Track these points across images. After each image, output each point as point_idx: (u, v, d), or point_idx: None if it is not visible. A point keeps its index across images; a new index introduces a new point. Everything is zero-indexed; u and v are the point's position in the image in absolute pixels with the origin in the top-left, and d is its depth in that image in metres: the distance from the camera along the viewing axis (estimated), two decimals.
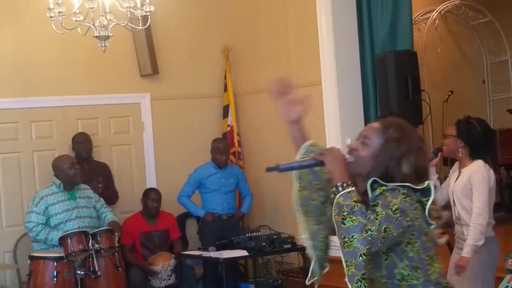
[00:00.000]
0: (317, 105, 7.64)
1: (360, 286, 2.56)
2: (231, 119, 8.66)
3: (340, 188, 2.67)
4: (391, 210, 2.60)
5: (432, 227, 2.71)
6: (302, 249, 7.28)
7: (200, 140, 8.31)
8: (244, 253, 7.12)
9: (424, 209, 2.69)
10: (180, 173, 7.98)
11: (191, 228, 8.20)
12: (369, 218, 2.56)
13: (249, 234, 7.41)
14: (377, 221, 2.56)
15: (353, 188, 2.66)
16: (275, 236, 7.34)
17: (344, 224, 2.57)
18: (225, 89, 8.73)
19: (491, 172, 4.82)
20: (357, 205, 2.60)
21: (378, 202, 2.63)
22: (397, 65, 7.00)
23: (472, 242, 4.77)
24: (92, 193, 7.14)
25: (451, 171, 5.09)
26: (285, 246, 7.28)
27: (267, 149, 8.37)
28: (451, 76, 10.47)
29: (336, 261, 2.89)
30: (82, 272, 6.47)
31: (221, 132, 8.68)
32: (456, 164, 5.02)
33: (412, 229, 2.65)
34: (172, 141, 8.48)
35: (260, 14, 8.40)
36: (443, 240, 2.76)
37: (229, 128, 8.66)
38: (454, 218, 4.91)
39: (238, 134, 8.66)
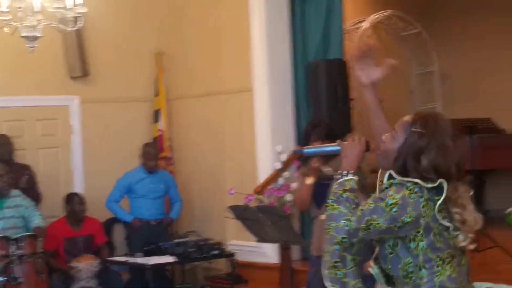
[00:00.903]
0: (247, 111, 7.67)
1: (329, 274, 2.63)
2: (162, 124, 8.59)
3: (340, 176, 2.73)
4: (386, 203, 2.59)
5: (451, 228, 2.64)
6: (230, 255, 7.28)
7: (131, 144, 8.19)
8: (171, 259, 7.06)
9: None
10: (109, 178, 7.87)
11: (119, 233, 8.11)
12: (353, 208, 2.60)
13: (177, 240, 7.36)
14: (360, 212, 2.59)
15: (352, 177, 2.70)
16: (203, 242, 7.30)
17: (327, 211, 2.65)
18: (157, 93, 8.65)
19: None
20: (345, 194, 2.65)
21: (377, 196, 2.66)
22: (328, 74, 7.10)
23: None
24: (23, 199, 6.98)
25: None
26: (213, 253, 7.24)
27: (198, 154, 8.36)
28: (380, 86, 10.57)
29: None
30: (2, 279, 6.29)
31: (151, 136, 8.59)
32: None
33: (414, 226, 2.60)
34: (102, 145, 8.37)
35: (192, 20, 8.37)
36: (464, 244, 2.66)
37: (159, 133, 8.59)
38: None
39: (169, 139, 8.60)
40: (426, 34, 10.65)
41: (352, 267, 2.65)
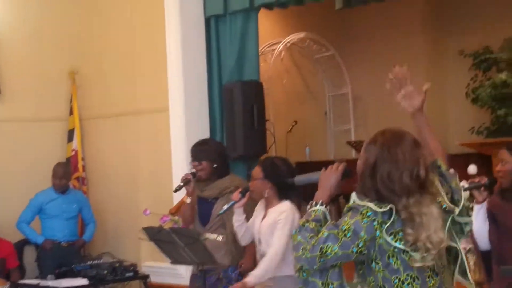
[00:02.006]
0: (163, 131, 7.65)
1: None
2: (76, 143, 8.49)
3: (309, 206, 2.86)
4: (340, 230, 2.68)
5: (404, 249, 2.69)
6: (144, 278, 7.22)
7: (44, 164, 7.98)
8: (84, 281, 6.93)
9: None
10: (21, 198, 7.69)
11: (30, 255, 7.93)
12: (311, 237, 2.72)
13: (90, 262, 7.25)
14: (314, 241, 2.70)
15: (319, 207, 2.82)
16: (117, 264, 7.22)
17: (292, 240, 2.81)
18: (71, 113, 8.55)
19: (297, 214, 4.76)
20: (307, 224, 2.78)
21: (331, 223, 2.75)
22: (244, 95, 7.15)
23: (257, 279, 4.71)
24: None
25: (257, 208, 5.01)
26: (127, 274, 7.15)
27: (112, 174, 8.28)
28: (295, 107, 10.75)
29: None
30: None
31: (65, 156, 8.47)
32: (261, 203, 4.94)
33: (369, 249, 2.69)
34: (13, 164, 8.18)
35: (108, 39, 8.31)
36: (419, 264, 2.69)
37: (73, 153, 8.48)
38: (258, 257, 4.85)
39: (83, 159, 8.50)
40: (338, 57, 10.87)
41: None
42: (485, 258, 4.08)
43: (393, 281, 2.71)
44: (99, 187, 8.45)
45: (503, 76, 9.56)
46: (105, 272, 7.04)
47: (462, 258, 2.91)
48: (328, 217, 2.89)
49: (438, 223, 2.71)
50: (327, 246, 2.68)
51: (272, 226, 4.75)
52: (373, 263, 2.73)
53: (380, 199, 2.71)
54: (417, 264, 2.69)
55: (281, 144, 9.62)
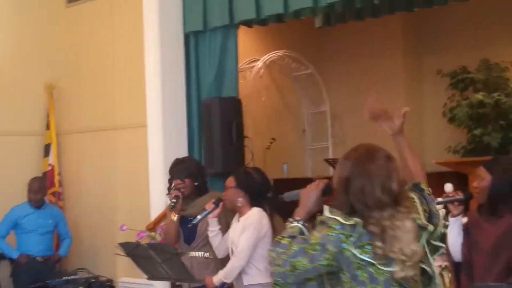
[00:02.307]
0: (141, 147, 7.63)
1: None
2: (52, 158, 8.44)
3: (287, 223, 2.97)
4: (309, 244, 2.78)
5: (371, 262, 2.74)
6: None
7: (19, 179, 7.92)
8: None
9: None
10: None
11: (5, 270, 7.84)
12: (283, 253, 2.81)
13: (66, 278, 7.21)
14: (285, 256, 2.80)
15: (296, 224, 2.92)
16: (93, 280, 7.19)
17: (268, 255, 2.92)
18: (48, 127, 8.50)
19: (266, 220, 4.87)
20: (283, 241, 2.87)
21: (302, 237, 2.86)
22: (222, 111, 7.16)
23: (223, 276, 4.87)
24: None
25: (233, 221, 5.10)
26: None
27: (89, 189, 8.24)
28: (273, 124, 10.76)
29: None
30: None
31: (41, 171, 8.42)
32: (236, 216, 5.04)
33: (337, 262, 2.77)
34: None
35: (87, 54, 8.30)
36: (401, 275, 2.75)
37: (50, 167, 8.43)
38: None
39: (59, 174, 8.45)
40: (317, 75, 10.91)
41: None
42: (457, 269, 4.18)
43: None
44: (76, 202, 8.40)
45: (479, 96, 9.67)
46: (81, 287, 6.99)
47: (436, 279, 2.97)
48: (306, 233, 2.95)
49: (411, 236, 2.76)
50: (297, 261, 2.77)
51: (241, 232, 4.81)
52: (341, 274, 2.80)
53: (353, 213, 2.78)
54: (400, 276, 2.74)
55: (259, 161, 9.59)
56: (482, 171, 4.03)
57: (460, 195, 4.07)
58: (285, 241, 2.86)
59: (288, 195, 3.38)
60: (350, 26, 9.66)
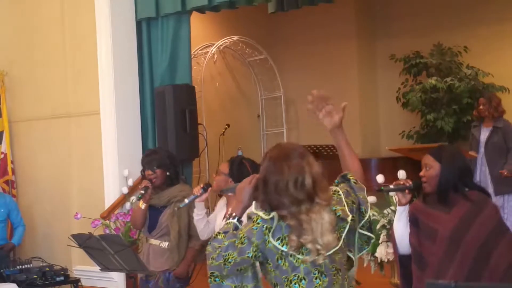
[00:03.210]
0: (95, 134, 7.59)
1: None
2: (5, 146, 8.35)
3: (225, 219, 3.13)
4: (238, 238, 2.96)
5: (289, 253, 2.92)
6: (75, 282, 7.15)
7: None
8: (13, 286, 6.84)
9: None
10: None
11: None
12: (218, 247, 2.98)
13: (20, 267, 7.14)
14: (219, 251, 2.97)
15: (231, 221, 3.07)
16: (47, 268, 7.12)
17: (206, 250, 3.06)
18: None
19: None
20: (217, 236, 3.04)
21: (232, 232, 3.02)
22: (176, 99, 7.15)
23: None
24: None
25: (217, 207, 5.14)
26: (58, 279, 7.05)
27: (43, 178, 8.17)
28: (228, 110, 10.77)
29: None
30: None
31: None
32: (223, 201, 5.06)
33: (262, 253, 2.95)
34: None
35: (38, 40, 8.20)
36: (310, 260, 2.92)
37: (2, 156, 8.34)
38: None
39: (12, 162, 8.36)
40: (271, 60, 10.93)
41: None
42: (402, 262, 4.16)
43: (283, 280, 2.96)
44: (29, 191, 8.33)
45: (432, 81, 9.79)
46: (35, 276, 6.95)
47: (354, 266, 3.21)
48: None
49: (326, 227, 2.93)
50: (228, 254, 2.95)
51: None
52: (267, 264, 3.00)
53: (273, 209, 2.96)
54: (309, 259, 2.92)
55: (214, 147, 9.63)
56: (429, 160, 4.03)
57: (409, 183, 4.06)
58: (220, 237, 3.03)
59: (226, 189, 3.64)
60: (304, 11, 9.69)
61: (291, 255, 2.94)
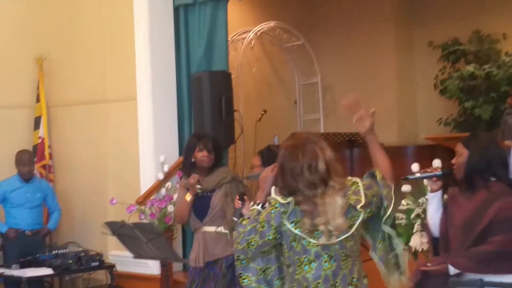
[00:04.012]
0: (131, 120, 7.62)
1: (241, 281, 3.30)
2: (42, 131, 8.41)
3: (250, 205, 3.40)
4: (258, 222, 3.21)
5: (301, 236, 3.17)
6: (110, 267, 7.21)
7: (9, 152, 7.82)
8: (49, 271, 6.91)
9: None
10: None
11: None
12: (243, 232, 3.22)
13: (56, 251, 7.21)
14: (241, 235, 3.23)
15: (255, 207, 3.31)
16: (82, 254, 7.18)
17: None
18: (38, 100, 8.46)
19: None
20: (242, 222, 3.28)
21: (254, 217, 3.26)
22: (212, 85, 7.14)
23: None
24: None
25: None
26: (93, 264, 7.14)
27: (79, 163, 8.23)
28: (265, 96, 10.74)
29: None
30: None
31: (31, 144, 8.39)
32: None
33: (280, 234, 3.21)
34: None
35: (76, 26, 8.23)
36: (324, 242, 3.15)
37: (40, 140, 8.39)
38: None
39: (49, 147, 8.42)
40: (308, 46, 10.87)
41: (259, 275, 3.29)
42: (435, 245, 4.24)
43: (295, 261, 3.21)
44: (66, 176, 8.39)
45: (470, 68, 9.67)
46: (70, 261, 7.03)
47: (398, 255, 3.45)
48: None
49: (338, 211, 3.15)
50: (251, 238, 3.21)
51: None
52: (282, 245, 3.24)
53: (289, 194, 3.20)
54: (322, 242, 3.16)
55: (250, 133, 9.61)
56: (459, 148, 4.08)
57: (438, 171, 4.10)
58: (244, 222, 3.28)
59: (250, 176, 3.97)
60: None
61: (303, 238, 3.17)
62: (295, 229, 3.17)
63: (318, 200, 3.15)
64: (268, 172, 3.39)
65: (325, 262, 3.19)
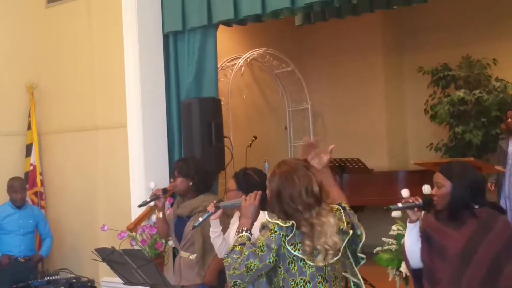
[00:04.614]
0: (121, 147, 7.64)
1: None
2: (34, 158, 8.44)
3: (236, 233, 3.56)
4: (257, 247, 3.36)
5: (301, 257, 3.36)
6: None
7: (1, 179, 7.93)
8: None
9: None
10: None
11: None
12: (238, 258, 3.37)
13: (48, 278, 7.22)
14: (240, 261, 3.36)
15: (244, 234, 3.51)
16: (74, 280, 7.20)
17: (224, 262, 3.45)
18: (29, 127, 8.50)
19: None
20: (236, 248, 3.43)
21: (250, 242, 3.43)
22: (202, 112, 7.17)
23: None
24: None
25: (232, 221, 5.01)
26: None
27: (70, 189, 8.24)
28: (255, 122, 10.79)
29: None
30: None
31: (23, 171, 8.41)
32: (236, 215, 4.93)
33: (279, 257, 3.37)
34: None
35: (66, 54, 8.29)
36: (322, 264, 3.37)
37: (31, 167, 8.43)
38: None
39: (41, 174, 8.45)
40: (298, 72, 10.94)
41: None
42: (416, 275, 4.17)
43: (290, 283, 3.38)
44: (58, 202, 8.41)
45: (461, 93, 9.73)
46: None
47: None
48: (252, 239, 3.54)
49: (333, 229, 3.38)
50: (250, 263, 3.34)
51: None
52: (277, 268, 3.40)
53: (287, 218, 3.38)
54: (320, 264, 3.36)
55: (241, 159, 9.64)
56: (440, 178, 4.00)
57: (419, 201, 4.06)
58: (238, 248, 3.43)
59: (223, 204, 4.09)
60: (330, 24, 9.69)
61: (301, 260, 3.36)
62: (294, 251, 3.35)
63: (315, 221, 3.37)
64: (251, 201, 3.65)
65: (319, 283, 3.39)
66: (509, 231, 3.91)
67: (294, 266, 3.37)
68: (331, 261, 3.39)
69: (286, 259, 3.37)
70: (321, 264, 3.37)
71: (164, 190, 5.45)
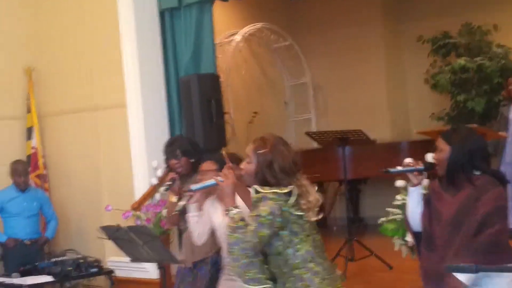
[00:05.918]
0: (122, 127, 7.64)
1: (248, 277, 3.55)
2: (35, 141, 8.43)
3: (227, 213, 3.64)
4: (262, 217, 3.51)
5: (301, 215, 3.59)
6: (109, 272, 7.23)
7: (3, 163, 7.89)
8: (49, 278, 6.95)
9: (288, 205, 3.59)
10: None
11: None
12: (245, 232, 3.51)
13: (54, 259, 7.25)
14: (251, 232, 3.50)
15: (236, 210, 3.61)
16: (81, 260, 7.22)
17: (229, 239, 3.58)
18: (29, 110, 8.48)
19: None
20: (237, 224, 3.55)
21: (254, 215, 3.56)
22: (201, 89, 7.15)
23: None
24: None
25: (205, 208, 4.89)
26: (92, 270, 7.18)
27: (73, 171, 8.26)
28: (254, 98, 10.75)
29: None
30: None
31: (25, 154, 8.41)
32: (210, 202, 4.77)
33: (283, 220, 3.55)
34: None
35: (63, 35, 8.26)
36: (314, 218, 3.64)
37: (33, 150, 8.43)
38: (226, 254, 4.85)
39: (43, 156, 8.45)
40: (296, 46, 10.88)
41: (261, 267, 3.61)
42: (417, 238, 4.17)
43: (294, 241, 3.61)
44: (61, 184, 8.42)
45: (462, 61, 9.62)
46: (69, 268, 7.06)
47: None
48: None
49: (314, 188, 3.69)
50: (260, 232, 3.51)
51: None
52: (281, 231, 3.59)
53: (279, 184, 3.59)
54: (313, 219, 3.66)
55: (242, 135, 9.62)
56: (440, 143, 3.97)
57: (420, 165, 4.05)
58: (240, 223, 3.56)
59: (195, 187, 4.02)
60: None
61: (300, 218, 3.60)
62: (296, 211, 3.59)
63: (301, 183, 3.66)
64: (229, 180, 3.72)
65: (316, 234, 3.70)
66: (494, 204, 3.84)
67: (296, 224, 3.61)
68: (319, 216, 3.69)
69: (288, 221, 3.59)
70: (313, 219, 3.65)
71: (178, 173, 5.33)
